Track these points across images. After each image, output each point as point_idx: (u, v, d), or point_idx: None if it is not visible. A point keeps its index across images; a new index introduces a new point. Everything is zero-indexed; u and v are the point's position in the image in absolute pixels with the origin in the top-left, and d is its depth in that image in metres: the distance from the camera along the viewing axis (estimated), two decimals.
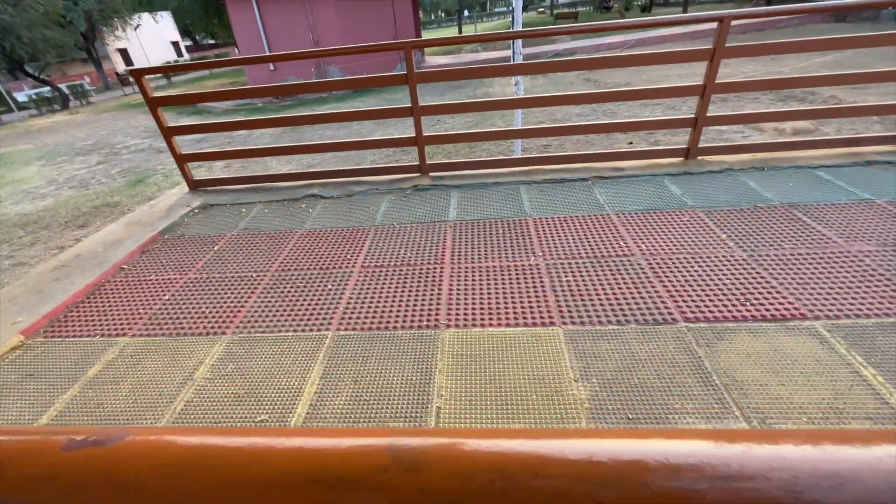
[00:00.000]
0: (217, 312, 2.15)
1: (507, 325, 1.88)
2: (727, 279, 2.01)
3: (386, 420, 1.50)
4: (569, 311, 1.92)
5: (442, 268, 2.32)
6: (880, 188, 2.65)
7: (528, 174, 3.36)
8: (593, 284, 2.07)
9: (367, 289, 2.21)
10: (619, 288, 2.03)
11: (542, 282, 2.13)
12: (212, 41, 41.58)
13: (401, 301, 2.10)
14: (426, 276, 2.26)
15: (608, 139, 7.39)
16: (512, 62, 5.77)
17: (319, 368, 1.75)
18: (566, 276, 2.15)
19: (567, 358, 1.68)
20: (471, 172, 3.49)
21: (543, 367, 1.65)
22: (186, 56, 39.53)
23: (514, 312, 1.95)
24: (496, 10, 58.64)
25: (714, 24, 2.71)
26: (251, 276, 2.42)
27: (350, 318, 2.02)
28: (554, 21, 32.59)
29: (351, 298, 2.15)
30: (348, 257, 2.51)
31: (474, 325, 1.90)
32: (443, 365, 1.70)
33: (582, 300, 1.98)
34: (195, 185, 3.75)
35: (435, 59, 19.39)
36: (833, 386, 1.47)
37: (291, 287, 2.29)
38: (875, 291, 1.85)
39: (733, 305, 1.86)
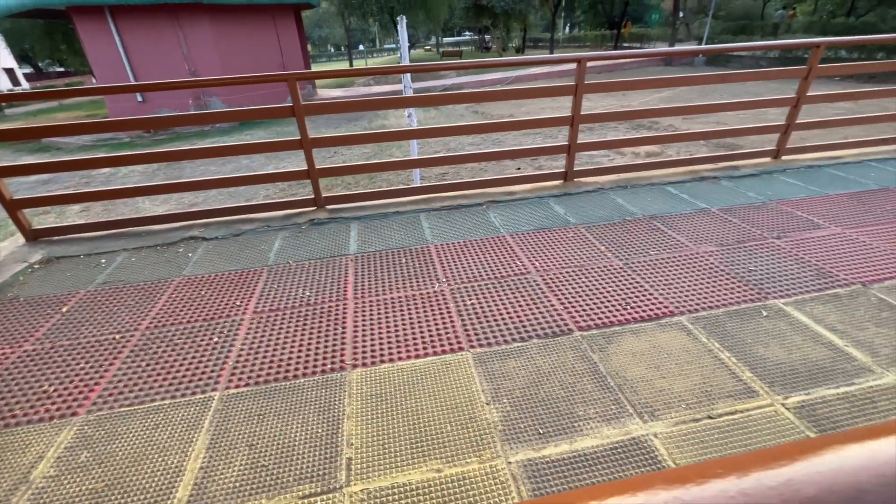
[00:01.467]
0: (65, 390, 1.76)
1: (417, 356, 1.84)
2: (610, 287, 2.23)
3: (290, 485, 1.34)
4: (476, 335, 1.94)
5: (345, 304, 2.20)
6: (713, 198, 3.21)
7: (427, 202, 3.42)
8: (496, 304, 2.14)
9: (262, 337, 2.00)
10: (520, 305, 2.13)
11: (448, 308, 2.14)
12: (60, 69, 36.18)
13: (301, 346, 1.93)
14: (328, 315, 2.12)
15: (499, 166, 7.94)
16: (402, 95, 5.93)
17: (205, 438, 1.51)
18: (471, 300, 2.19)
19: (478, 381, 1.69)
20: (370, 203, 3.44)
21: (456, 394, 1.63)
22: (26, 85, 33.78)
23: (423, 342, 1.91)
24: (386, 45, 60.62)
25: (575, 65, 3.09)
26: (113, 340, 2.04)
27: (242, 372, 1.80)
28: (440, 58, 34.69)
29: (242, 350, 1.92)
30: (237, 304, 2.26)
31: (383, 361, 1.82)
32: (351, 410, 1.59)
33: (487, 321, 2.03)
34: (35, 236, 3.11)
35: (328, 92, 19.23)
36: (701, 372, 1.69)
37: (167, 346, 1.98)
38: (720, 284, 2.20)
39: (617, 310, 2.05)
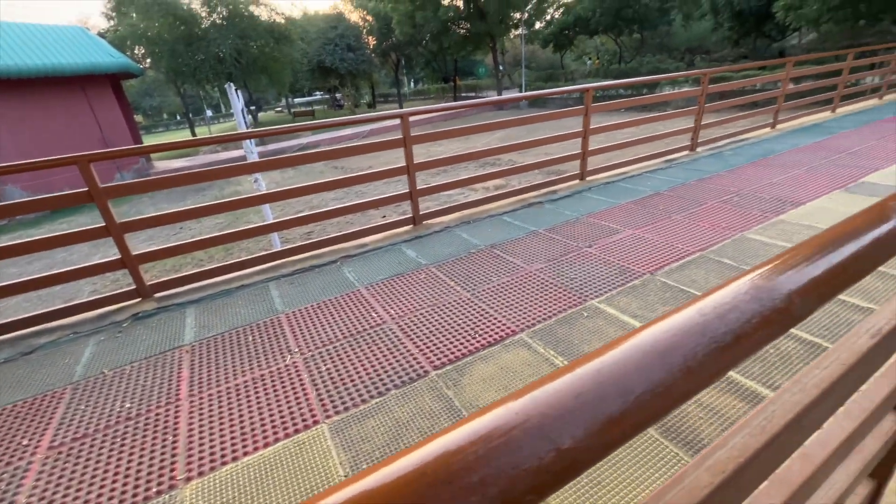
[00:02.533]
0: None
1: (266, 444, 1.66)
2: (460, 319, 2.35)
3: None
4: (332, 402, 1.85)
5: (177, 406, 1.90)
6: (539, 221, 3.68)
7: (276, 269, 3.24)
8: (353, 364, 2.08)
9: (60, 479, 1.60)
10: (377, 358, 2.10)
11: (301, 379, 2.00)
12: None
13: (116, 475, 1.59)
14: (154, 426, 1.80)
15: (365, 216, 8.03)
16: (248, 161, 5.67)
17: None
18: (326, 365, 2.09)
19: (335, 454, 1.59)
20: (211, 281, 3.12)
21: (311, 476, 1.50)
22: None
23: (273, 426, 1.74)
24: (232, 111, 57.88)
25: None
26: None
27: None
28: (293, 119, 34.44)
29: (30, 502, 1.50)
30: (22, 444, 1.78)
31: (224, 463, 1.59)
32: None
33: (344, 384, 1.95)
34: None
35: (167, 164, 17.40)
36: None
37: None
38: (550, 296, 2.49)
39: (467, 340, 2.16)
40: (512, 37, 28.37)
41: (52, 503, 1.50)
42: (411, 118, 3.35)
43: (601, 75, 25.70)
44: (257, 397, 1.91)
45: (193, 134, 31.76)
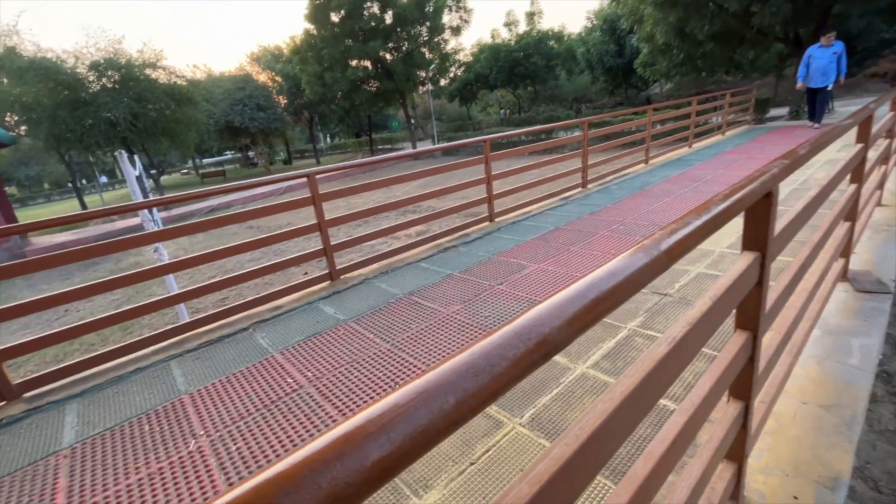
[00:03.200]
0: None
1: None
2: (380, 373, 2.33)
3: None
4: None
5: None
6: (454, 264, 3.85)
7: (180, 344, 2.98)
8: (266, 438, 1.95)
9: None
10: (294, 428, 2.00)
11: (207, 465, 1.83)
12: None
13: None
14: None
15: (284, 275, 7.69)
16: (147, 231, 5.27)
17: None
18: (236, 444, 1.94)
19: None
20: (98, 369, 2.77)
21: None
22: None
23: None
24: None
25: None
26: None
27: None
28: (201, 180, 32.73)
29: None
30: None
31: None
32: None
33: (257, 462, 1.81)
34: None
35: (50, 239, 15.33)
36: (464, 429, 1.89)
37: None
38: (467, 336, 2.58)
39: (388, 393, 2.15)
40: (420, 92, 30.24)
41: None
42: (323, 175, 3.40)
43: (505, 124, 28.16)
44: (154, 495, 1.71)
45: (82, 204, 28.61)
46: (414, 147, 27.56)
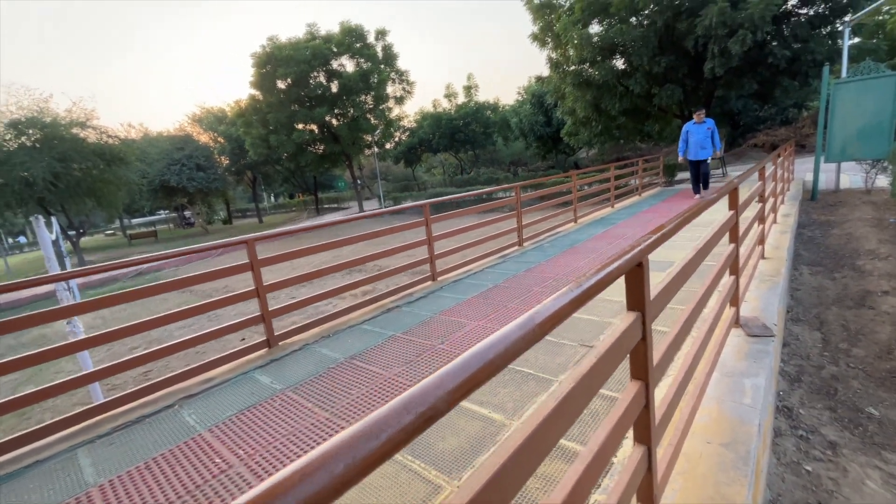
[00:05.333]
0: None
1: None
2: (315, 443, 2.26)
3: None
4: None
5: None
6: (397, 324, 3.89)
7: (91, 429, 2.69)
8: None
9: None
10: None
11: None
12: None
13: None
14: None
15: (219, 343, 7.20)
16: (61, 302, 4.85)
17: None
18: None
19: None
20: None
21: None
22: None
23: None
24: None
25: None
26: None
27: None
28: (128, 242, 30.58)
29: None
30: None
31: None
32: None
33: None
34: None
35: None
36: (399, 489, 1.87)
37: None
38: None
39: None
40: (366, 154, 31.21)
41: None
42: (263, 239, 3.41)
43: (447, 184, 29.56)
44: None
45: None
46: (360, 206, 27.89)
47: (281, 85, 24.16)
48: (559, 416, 0.86)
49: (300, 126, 25.13)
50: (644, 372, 1.31)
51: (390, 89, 26.79)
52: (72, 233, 22.65)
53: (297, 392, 2.86)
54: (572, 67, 15.55)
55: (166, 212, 43.24)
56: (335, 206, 37.07)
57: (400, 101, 27.40)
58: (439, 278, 5.24)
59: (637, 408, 1.28)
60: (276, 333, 3.65)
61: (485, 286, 4.79)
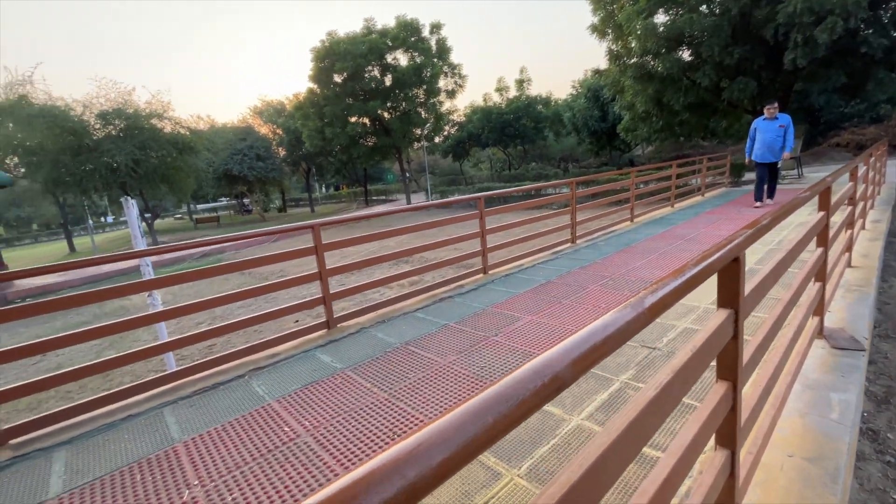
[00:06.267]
0: None
1: None
2: (378, 422, 2.35)
3: None
4: None
5: None
6: (450, 314, 3.93)
7: (174, 391, 2.96)
8: (263, 488, 1.93)
9: None
10: (291, 477, 1.99)
11: None
12: None
13: None
14: None
15: (275, 324, 7.62)
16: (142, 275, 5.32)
17: None
18: (232, 495, 1.91)
19: None
20: (88, 416, 2.72)
21: None
22: None
23: None
24: (122, 218, 53.54)
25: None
26: None
27: None
28: (194, 226, 32.88)
29: None
30: None
31: None
32: None
33: None
34: None
35: (34, 281, 15.02)
36: (460, 475, 1.91)
37: None
38: (464, 387, 2.63)
39: (385, 443, 2.16)
40: (416, 148, 31.60)
41: None
42: (322, 226, 3.57)
43: (495, 179, 29.31)
44: None
45: (71, 246, 28.36)
46: (408, 199, 28.33)
47: (337, 79, 24.96)
48: (649, 416, 0.84)
49: (354, 119, 25.87)
50: (732, 372, 1.25)
51: (442, 83, 26.90)
52: (147, 215, 24.74)
53: (356, 372, 2.97)
54: (634, 60, 14.86)
55: (227, 199, 46.12)
56: (383, 198, 37.91)
57: (451, 94, 27.45)
58: (490, 272, 5.24)
59: (723, 410, 1.23)
60: (334, 316, 3.81)
61: (537, 281, 4.73)
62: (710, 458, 1.28)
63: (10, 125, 18.61)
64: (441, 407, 2.43)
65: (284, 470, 2.04)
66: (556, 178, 25.14)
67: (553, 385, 0.57)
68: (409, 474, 0.41)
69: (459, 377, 2.75)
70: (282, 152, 35.80)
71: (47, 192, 22.42)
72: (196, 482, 2.02)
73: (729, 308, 1.21)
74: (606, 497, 1.68)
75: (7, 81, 18.55)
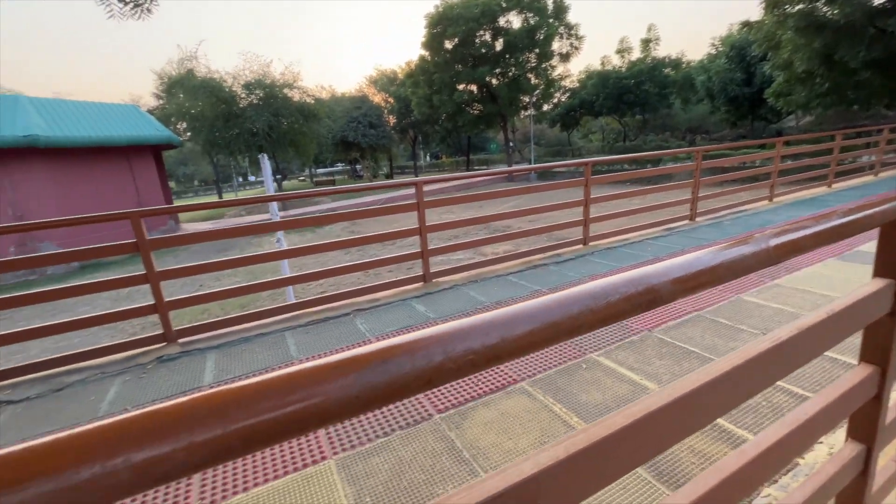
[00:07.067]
0: None
1: (276, 477, 1.75)
2: None
3: None
4: (339, 440, 1.94)
5: None
6: (544, 280, 3.87)
7: (294, 319, 3.43)
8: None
9: None
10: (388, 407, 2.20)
11: None
12: None
13: (134, 500, 1.68)
14: None
15: (370, 278, 8.28)
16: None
17: None
18: None
19: (340, 488, 1.66)
20: (232, 329, 3.31)
21: None
22: None
23: (283, 461, 1.84)
24: (259, 179, 61.58)
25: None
26: None
27: None
28: (313, 187, 36.50)
29: None
30: None
31: (236, 493, 1.68)
32: None
33: (351, 424, 2.04)
34: None
35: (194, 227, 18.37)
36: (540, 426, 1.93)
37: None
38: (550, 349, 2.60)
39: (471, 388, 2.27)
40: (522, 117, 30.58)
41: None
42: (425, 187, 3.71)
43: (606, 152, 27.16)
44: None
45: (216, 207, 33.65)
46: (510, 174, 27.83)
47: (448, 45, 24.99)
48: (762, 365, 0.75)
49: (461, 86, 25.85)
50: (882, 355, 1.04)
51: (556, 45, 25.33)
52: (277, 176, 28.16)
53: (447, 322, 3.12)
54: (798, 7, 12.25)
55: (342, 164, 50.18)
56: (484, 167, 37.78)
57: (565, 58, 25.76)
58: (591, 243, 4.98)
59: (862, 396, 1.04)
60: (430, 271, 4.01)
61: (642, 257, 4.37)
62: (833, 450, 1.11)
63: (181, 95, 22.36)
64: (527, 366, 2.45)
65: None
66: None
67: (646, 295, 0.54)
68: (492, 335, 0.44)
69: None
70: (392, 120, 37.51)
71: (205, 153, 26.69)
72: None
73: (890, 278, 0.99)
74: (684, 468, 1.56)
75: (179, 58, 22.14)
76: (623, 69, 29.35)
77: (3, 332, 2.70)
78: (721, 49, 24.51)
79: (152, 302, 2.99)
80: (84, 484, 0.28)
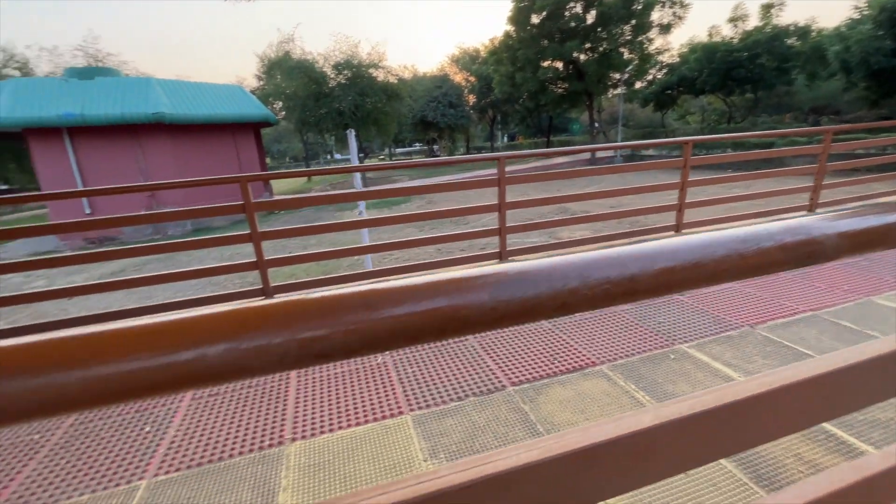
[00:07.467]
0: None
1: (358, 424, 1.88)
2: (539, 345, 2.42)
3: None
4: (415, 398, 2.03)
5: (287, 381, 2.23)
6: None
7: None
8: (436, 370, 2.25)
9: (198, 421, 1.97)
10: (458, 369, 2.25)
11: (389, 377, 2.22)
12: (4, 186, 35.42)
13: (239, 425, 1.91)
14: (270, 393, 2.13)
15: (448, 253, 8.38)
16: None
17: None
18: (412, 368, 2.29)
19: (416, 441, 1.74)
20: (317, 290, 3.58)
21: (394, 455, 1.67)
22: None
23: (364, 410, 1.96)
24: (344, 156, 64.93)
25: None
26: (29, 440, 1.92)
27: (174, 458, 1.74)
28: None
29: (176, 436, 1.87)
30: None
31: (322, 433, 1.83)
32: (287, 482, 1.57)
33: (427, 386, 2.12)
34: None
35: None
36: (621, 411, 1.84)
37: (91, 441, 1.88)
38: (635, 336, 2.46)
39: (546, 365, 2.23)
40: (610, 95, 28.57)
41: (192, 437, 1.85)
42: (506, 159, 3.64)
43: (706, 134, 24.48)
44: (352, 384, 2.17)
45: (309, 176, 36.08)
46: (592, 153, 26.34)
47: (535, 19, 23.93)
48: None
49: (546, 63, 24.73)
50: None
51: (656, 15, 23.09)
52: (360, 154, 29.48)
53: None
54: None
55: (420, 144, 51.08)
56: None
57: (666, 29, 23.43)
58: (684, 231, 4.56)
59: None
60: (507, 248, 3.96)
61: None
62: None
63: (278, 76, 24.12)
64: (607, 350, 2.34)
65: (454, 362, 2.32)
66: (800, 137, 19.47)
67: (805, 247, 0.47)
68: (630, 267, 0.41)
69: (629, 325, 2.58)
70: (471, 99, 37.15)
71: (297, 130, 28.68)
72: (386, 352, 2.48)
73: None
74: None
75: (278, 41, 23.79)
76: (735, 40, 25.93)
77: (135, 277, 3.18)
78: (867, 13, 20.56)
79: (254, 259, 3.32)
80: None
